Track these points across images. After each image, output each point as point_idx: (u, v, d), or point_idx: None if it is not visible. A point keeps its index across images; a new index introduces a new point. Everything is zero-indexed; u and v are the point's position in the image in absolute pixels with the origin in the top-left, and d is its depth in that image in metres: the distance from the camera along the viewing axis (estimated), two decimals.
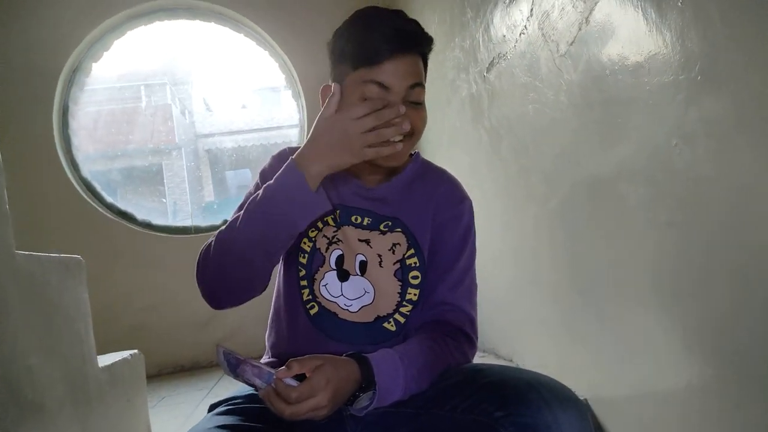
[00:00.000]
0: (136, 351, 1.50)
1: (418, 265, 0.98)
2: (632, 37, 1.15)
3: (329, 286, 0.98)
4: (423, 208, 1.00)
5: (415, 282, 0.98)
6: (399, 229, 0.98)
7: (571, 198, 1.45)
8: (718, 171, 0.99)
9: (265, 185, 0.89)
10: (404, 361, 0.83)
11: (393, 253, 0.97)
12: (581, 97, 1.35)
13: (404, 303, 0.98)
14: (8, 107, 2.64)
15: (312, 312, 0.98)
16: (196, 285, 0.93)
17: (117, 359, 1.35)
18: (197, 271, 0.92)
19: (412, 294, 0.98)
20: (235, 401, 0.91)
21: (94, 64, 2.88)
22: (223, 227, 0.91)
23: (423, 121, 0.94)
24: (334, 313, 0.97)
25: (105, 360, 1.34)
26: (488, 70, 1.85)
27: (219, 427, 0.80)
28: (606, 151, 1.28)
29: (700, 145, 1.03)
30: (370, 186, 1.01)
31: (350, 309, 0.96)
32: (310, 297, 0.97)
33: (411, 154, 1.05)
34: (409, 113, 0.88)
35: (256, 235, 0.87)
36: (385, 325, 0.98)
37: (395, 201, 1.00)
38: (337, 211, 0.99)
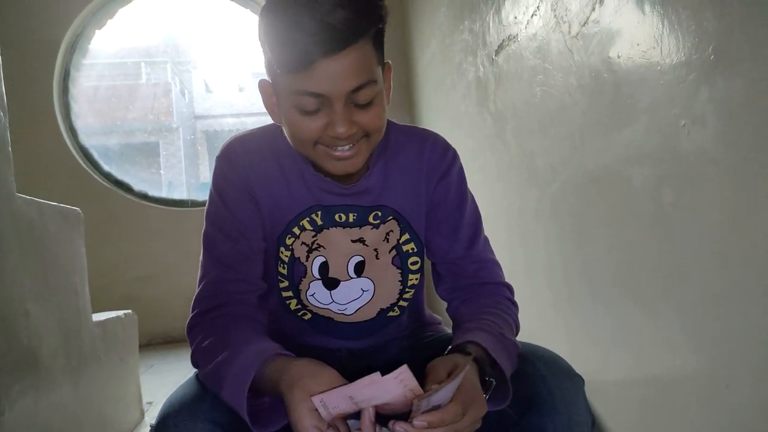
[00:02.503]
0: (129, 311, 1.49)
1: (415, 251, 0.95)
2: (646, 17, 1.15)
3: (317, 294, 0.93)
4: (410, 183, 0.93)
5: (415, 268, 0.95)
6: (390, 217, 0.92)
7: (574, 181, 1.45)
8: (727, 152, 0.99)
9: (221, 373, 0.74)
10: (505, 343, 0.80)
11: (387, 241, 0.93)
12: (591, 79, 1.34)
13: (407, 290, 0.96)
14: (10, 69, 2.62)
15: (305, 318, 0.95)
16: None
17: (110, 316, 1.34)
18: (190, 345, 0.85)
19: (413, 279, 0.96)
20: None
21: (97, 31, 2.86)
22: (198, 342, 0.81)
23: (376, 119, 0.79)
24: (329, 317, 0.94)
25: (98, 317, 1.33)
26: (497, 52, 1.84)
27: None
28: (613, 133, 1.28)
29: (710, 125, 1.02)
30: (347, 184, 0.90)
31: (345, 312, 0.94)
32: (299, 306, 0.94)
33: None
34: (355, 115, 0.76)
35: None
36: (390, 313, 0.97)
37: (378, 188, 0.92)
38: (319, 213, 0.91)
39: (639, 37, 1.17)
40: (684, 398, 1.11)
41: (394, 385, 0.63)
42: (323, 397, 0.64)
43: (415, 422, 0.63)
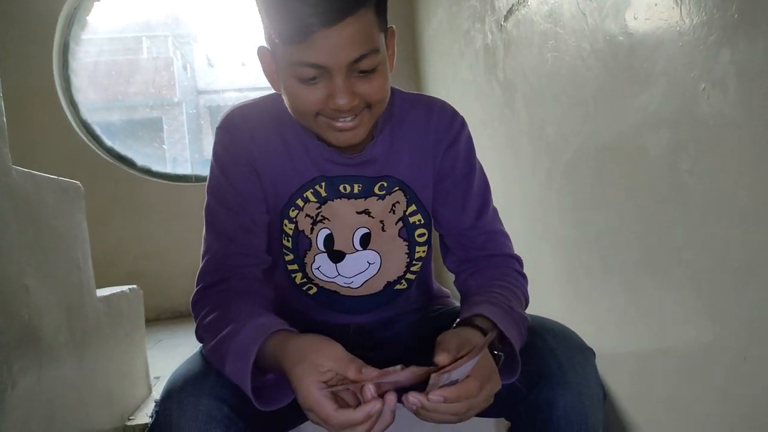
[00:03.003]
0: (134, 286, 1.48)
1: (422, 222, 0.92)
2: None
3: (322, 268, 0.91)
4: (417, 152, 0.90)
5: (422, 240, 0.93)
6: (396, 188, 0.90)
7: (587, 149, 1.41)
8: (748, 117, 0.95)
9: (224, 348, 0.73)
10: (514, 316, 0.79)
11: (393, 213, 0.91)
12: (605, 43, 1.29)
13: (414, 262, 0.94)
14: (8, 42, 2.57)
15: (311, 292, 0.94)
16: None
17: (115, 291, 1.33)
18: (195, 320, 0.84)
19: (420, 252, 0.94)
20: None
21: (96, 3, 2.80)
22: (203, 317, 0.80)
23: (379, 89, 0.76)
24: (335, 291, 0.93)
25: (102, 292, 1.32)
26: (506, 18, 1.78)
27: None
28: (628, 99, 1.23)
29: (731, 89, 0.98)
30: (351, 154, 0.88)
31: (351, 285, 0.92)
32: (305, 280, 0.92)
33: None
34: (356, 85, 0.73)
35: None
36: (397, 287, 0.95)
37: (383, 158, 0.89)
38: (323, 184, 0.88)
39: None
40: (700, 371, 1.09)
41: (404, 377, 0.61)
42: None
43: (431, 396, 0.61)
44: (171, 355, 1.95)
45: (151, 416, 0.75)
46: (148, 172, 2.86)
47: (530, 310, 0.91)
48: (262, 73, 0.83)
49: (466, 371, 0.63)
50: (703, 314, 1.07)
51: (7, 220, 0.88)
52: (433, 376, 0.60)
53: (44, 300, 0.98)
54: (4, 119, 0.91)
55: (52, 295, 1.02)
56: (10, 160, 0.92)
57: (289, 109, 0.80)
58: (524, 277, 0.95)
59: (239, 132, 0.87)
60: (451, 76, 2.28)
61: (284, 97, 0.80)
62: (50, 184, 1.06)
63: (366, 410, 0.61)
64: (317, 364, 0.64)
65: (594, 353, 0.83)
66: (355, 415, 0.61)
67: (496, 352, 0.73)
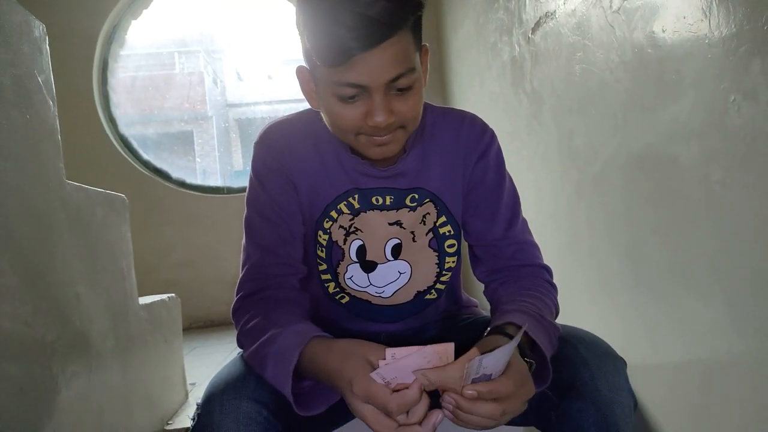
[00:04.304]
0: (173, 294, 1.53)
1: (452, 233, 0.94)
2: None
3: (355, 277, 0.93)
4: (447, 165, 0.93)
5: (452, 250, 0.95)
6: (427, 200, 0.92)
7: (617, 161, 1.42)
8: None
9: (265, 352, 0.76)
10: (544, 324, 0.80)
11: (424, 224, 0.93)
12: (634, 55, 1.30)
13: (443, 272, 0.96)
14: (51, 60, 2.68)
15: (343, 301, 0.96)
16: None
17: (155, 300, 1.38)
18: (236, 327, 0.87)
19: (450, 262, 0.96)
20: None
21: (133, 21, 2.91)
22: (243, 324, 0.84)
23: (413, 108, 0.79)
24: (367, 300, 0.95)
25: (144, 300, 1.37)
26: (533, 30, 1.80)
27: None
28: (658, 111, 1.24)
29: (762, 99, 0.98)
30: (383, 166, 0.91)
31: (383, 295, 0.94)
32: (337, 289, 0.95)
33: None
34: (393, 103, 0.76)
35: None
36: (427, 296, 0.97)
37: (414, 170, 0.92)
38: (356, 196, 0.91)
39: (685, 10, 1.12)
40: (733, 383, 1.09)
41: (432, 356, 0.63)
42: (380, 370, 0.64)
43: (465, 392, 0.63)
44: (205, 362, 2.00)
45: (193, 418, 0.78)
46: (182, 184, 2.94)
47: (560, 321, 0.93)
48: (300, 91, 0.87)
49: (499, 365, 0.64)
50: (735, 326, 1.07)
51: (61, 231, 0.93)
52: (465, 365, 0.62)
53: (93, 307, 1.03)
54: (59, 136, 0.97)
55: (100, 302, 1.07)
56: (65, 175, 0.97)
57: (328, 126, 0.84)
58: (554, 287, 0.96)
59: (276, 147, 0.91)
60: (478, 88, 2.31)
61: (324, 115, 0.83)
62: (99, 197, 1.11)
63: (416, 386, 0.63)
64: (367, 359, 0.67)
65: (625, 362, 0.83)
66: (409, 392, 0.63)
67: (527, 360, 0.74)
